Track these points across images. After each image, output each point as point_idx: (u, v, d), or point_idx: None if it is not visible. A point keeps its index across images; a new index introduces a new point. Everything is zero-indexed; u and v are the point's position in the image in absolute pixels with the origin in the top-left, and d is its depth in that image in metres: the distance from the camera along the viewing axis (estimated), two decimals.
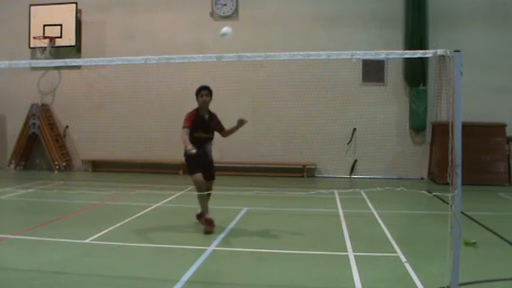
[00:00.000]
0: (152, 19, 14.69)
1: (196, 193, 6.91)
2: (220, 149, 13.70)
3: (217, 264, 5.49)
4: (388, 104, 13.71)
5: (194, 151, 6.28)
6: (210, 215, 6.91)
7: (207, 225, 6.83)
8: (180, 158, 15.04)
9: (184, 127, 6.72)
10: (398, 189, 6.77)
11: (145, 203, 9.00)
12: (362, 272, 5.06)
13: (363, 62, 13.46)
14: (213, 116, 7.09)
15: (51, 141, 14.74)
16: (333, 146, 13.64)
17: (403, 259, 5.52)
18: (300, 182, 13.20)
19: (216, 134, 7.20)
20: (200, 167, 6.83)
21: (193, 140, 6.69)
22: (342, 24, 13.85)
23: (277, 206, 9.18)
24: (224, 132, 7.19)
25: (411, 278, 4.88)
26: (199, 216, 7.12)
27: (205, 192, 6.92)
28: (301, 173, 13.97)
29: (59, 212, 8.28)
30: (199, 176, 6.81)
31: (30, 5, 14.84)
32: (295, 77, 13.63)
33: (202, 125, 6.89)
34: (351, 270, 5.16)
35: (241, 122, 6.96)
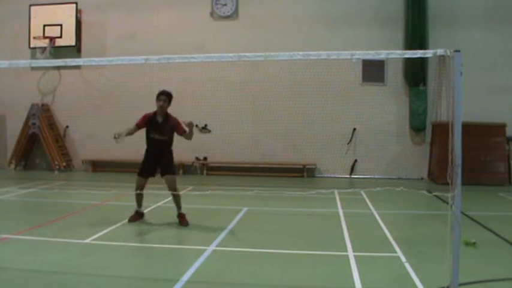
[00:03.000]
0: (152, 19, 14.70)
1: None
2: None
3: (217, 264, 5.49)
4: (388, 104, 13.72)
5: (118, 138, 6.88)
6: (142, 209, 7.58)
7: (133, 216, 7.46)
8: (179, 158, 14.99)
9: (135, 124, 7.25)
10: (398, 189, 6.77)
11: (146, 203, 8.95)
12: (362, 272, 5.06)
13: (362, 62, 13.47)
14: (168, 120, 7.27)
15: (51, 141, 14.74)
16: (333, 146, 13.64)
17: (403, 259, 5.52)
18: (300, 182, 13.20)
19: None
20: (146, 169, 7.42)
21: (149, 140, 7.35)
22: (342, 24, 13.86)
23: (277, 206, 9.18)
24: (186, 135, 7.25)
25: (411, 278, 4.88)
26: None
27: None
28: (301, 173, 13.97)
29: (59, 212, 8.27)
30: (137, 178, 7.46)
31: (30, 5, 14.84)
32: (295, 77, 13.64)
33: (155, 127, 7.21)
34: (351, 270, 5.15)
35: (189, 125, 7.13)
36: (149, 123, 7.25)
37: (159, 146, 7.31)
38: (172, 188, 7.28)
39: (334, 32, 13.74)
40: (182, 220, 7.28)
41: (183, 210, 7.37)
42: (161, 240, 6.50)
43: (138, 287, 4.77)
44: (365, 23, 13.78)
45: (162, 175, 7.37)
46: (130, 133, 7.18)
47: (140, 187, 7.42)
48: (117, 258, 5.71)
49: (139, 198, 7.48)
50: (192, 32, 14.41)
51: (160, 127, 7.22)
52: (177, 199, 7.35)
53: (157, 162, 7.38)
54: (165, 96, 7.22)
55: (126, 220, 7.54)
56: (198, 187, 10.85)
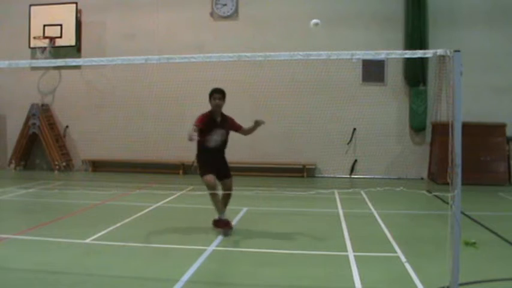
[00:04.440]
0: (152, 19, 14.70)
1: (210, 198, 6.74)
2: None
3: (217, 264, 5.49)
4: (388, 104, 13.72)
5: (195, 138, 6.15)
6: (225, 216, 6.80)
7: (224, 226, 6.71)
8: (180, 158, 14.98)
9: (194, 125, 6.53)
10: (398, 189, 6.77)
11: (145, 203, 9.00)
12: (362, 272, 5.06)
13: (362, 62, 13.46)
14: (225, 120, 6.95)
15: (51, 141, 14.74)
16: (333, 146, 13.64)
17: (403, 259, 5.52)
18: (300, 182, 13.20)
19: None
20: (211, 168, 6.74)
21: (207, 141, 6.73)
22: (342, 24, 13.85)
23: (277, 206, 9.18)
24: (243, 131, 7.06)
25: (411, 278, 4.88)
26: (217, 222, 6.83)
27: (224, 192, 6.92)
28: (301, 173, 13.97)
29: (59, 212, 8.28)
30: (210, 177, 6.66)
31: (30, 5, 14.85)
32: (295, 77, 13.64)
33: (215, 128, 6.76)
34: (351, 270, 5.16)
35: (257, 123, 6.85)
36: (208, 124, 6.70)
37: (219, 146, 6.86)
38: (231, 189, 7.05)
39: (334, 32, 13.72)
40: (225, 226, 6.76)
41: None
42: (161, 240, 6.50)
43: (138, 286, 4.77)
44: (365, 23, 13.78)
45: (225, 178, 6.97)
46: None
47: (215, 187, 6.69)
48: (117, 258, 5.71)
49: (216, 199, 6.73)
50: (192, 32, 14.42)
51: (220, 127, 6.82)
52: (229, 200, 7.07)
53: (218, 163, 6.90)
54: (220, 94, 6.80)
55: (127, 220, 7.56)
56: (198, 187, 10.84)
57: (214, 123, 6.76)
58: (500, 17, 13.32)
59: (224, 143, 6.92)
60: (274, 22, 14.22)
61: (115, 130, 14.26)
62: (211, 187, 6.62)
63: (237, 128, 7.04)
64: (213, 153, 6.78)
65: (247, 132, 7.06)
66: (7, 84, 14.95)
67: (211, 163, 6.77)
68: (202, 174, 6.74)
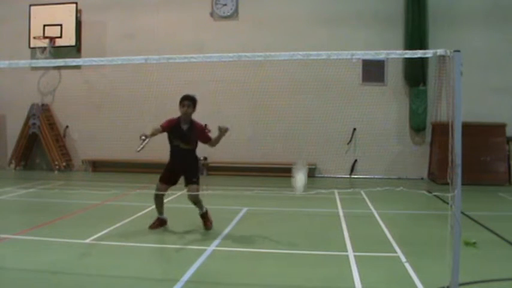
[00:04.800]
0: (152, 19, 14.70)
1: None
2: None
3: (217, 264, 5.49)
4: (388, 104, 13.72)
5: (143, 139, 6.28)
6: (164, 216, 7.12)
7: (158, 225, 7.06)
8: None
9: (160, 125, 6.70)
10: (398, 189, 6.76)
11: (145, 203, 8.96)
12: (362, 272, 5.06)
13: (362, 62, 13.46)
14: (193, 128, 6.79)
15: (51, 141, 14.74)
16: (333, 146, 13.62)
17: (403, 259, 5.52)
18: None
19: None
20: (166, 174, 6.97)
21: (172, 148, 6.89)
22: (342, 24, 13.86)
23: (277, 206, 9.18)
24: (211, 144, 6.88)
25: (411, 278, 4.88)
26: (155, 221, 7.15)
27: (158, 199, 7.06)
28: None
29: (59, 212, 8.28)
30: (158, 184, 6.98)
31: (30, 5, 14.85)
32: (295, 77, 13.63)
33: (179, 135, 6.74)
34: (351, 270, 5.15)
35: (222, 130, 6.60)
36: (173, 130, 6.72)
37: (183, 154, 6.83)
38: (193, 198, 6.85)
39: (334, 32, 13.73)
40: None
41: (204, 210, 7.06)
42: (161, 240, 6.50)
43: (138, 287, 4.77)
44: (365, 23, 13.77)
45: (186, 184, 6.93)
46: (154, 134, 6.53)
47: (159, 193, 6.98)
48: (117, 258, 5.71)
49: (158, 203, 7.01)
50: (192, 32, 14.41)
51: (185, 135, 6.74)
52: (197, 206, 7.01)
53: (181, 170, 6.89)
54: (189, 101, 6.67)
55: (127, 220, 7.55)
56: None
57: (179, 130, 6.73)
58: (500, 17, 13.33)
59: (189, 151, 6.85)
60: (274, 22, 14.21)
61: (115, 130, 14.22)
62: (156, 191, 6.96)
63: (205, 140, 6.87)
64: (175, 160, 6.92)
65: (214, 143, 6.84)
66: (7, 84, 14.94)
67: (169, 169, 6.96)
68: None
